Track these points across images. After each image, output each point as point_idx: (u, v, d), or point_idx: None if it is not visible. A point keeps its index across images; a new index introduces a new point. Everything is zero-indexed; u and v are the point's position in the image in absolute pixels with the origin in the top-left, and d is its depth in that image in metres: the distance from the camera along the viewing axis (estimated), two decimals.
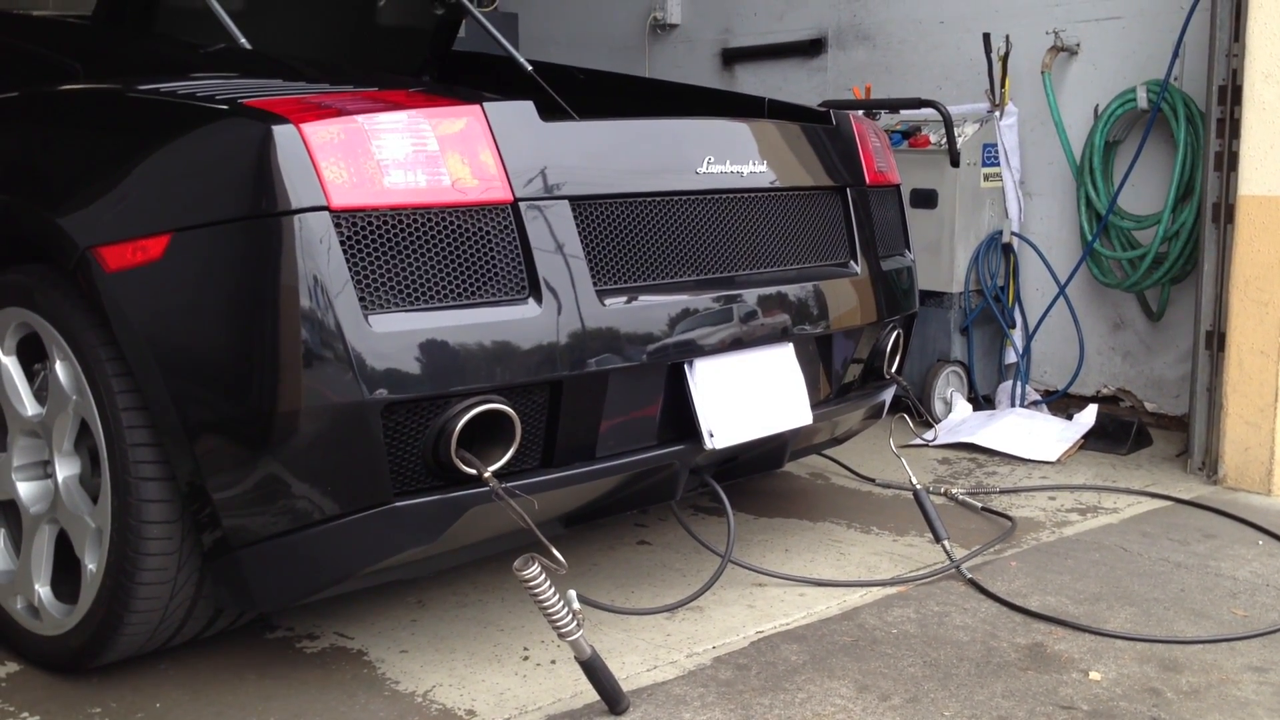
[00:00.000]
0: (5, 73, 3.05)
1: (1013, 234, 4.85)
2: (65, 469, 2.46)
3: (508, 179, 2.33)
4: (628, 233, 2.52)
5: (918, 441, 4.44)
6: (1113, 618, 2.82)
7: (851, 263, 3.05)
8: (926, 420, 3.53)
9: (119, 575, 2.34)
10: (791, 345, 2.83)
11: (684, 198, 2.63)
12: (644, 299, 2.50)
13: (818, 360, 3.00)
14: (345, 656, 2.61)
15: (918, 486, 3.15)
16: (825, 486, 3.90)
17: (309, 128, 2.17)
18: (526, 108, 2.40)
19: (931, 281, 4.76)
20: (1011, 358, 4.92)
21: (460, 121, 2.31)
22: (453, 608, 2.86)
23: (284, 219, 2.14)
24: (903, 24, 5.37)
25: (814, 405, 2.94)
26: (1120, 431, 4.39)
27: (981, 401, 4.86)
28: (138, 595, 2.34)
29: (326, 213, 2.15)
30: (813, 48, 5.73)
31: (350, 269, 2.16)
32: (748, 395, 2.70)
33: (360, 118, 2.22)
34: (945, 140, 4.64)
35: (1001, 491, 3.83)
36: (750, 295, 2.70)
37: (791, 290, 2.81)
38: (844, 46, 5.62)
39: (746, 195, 2.76)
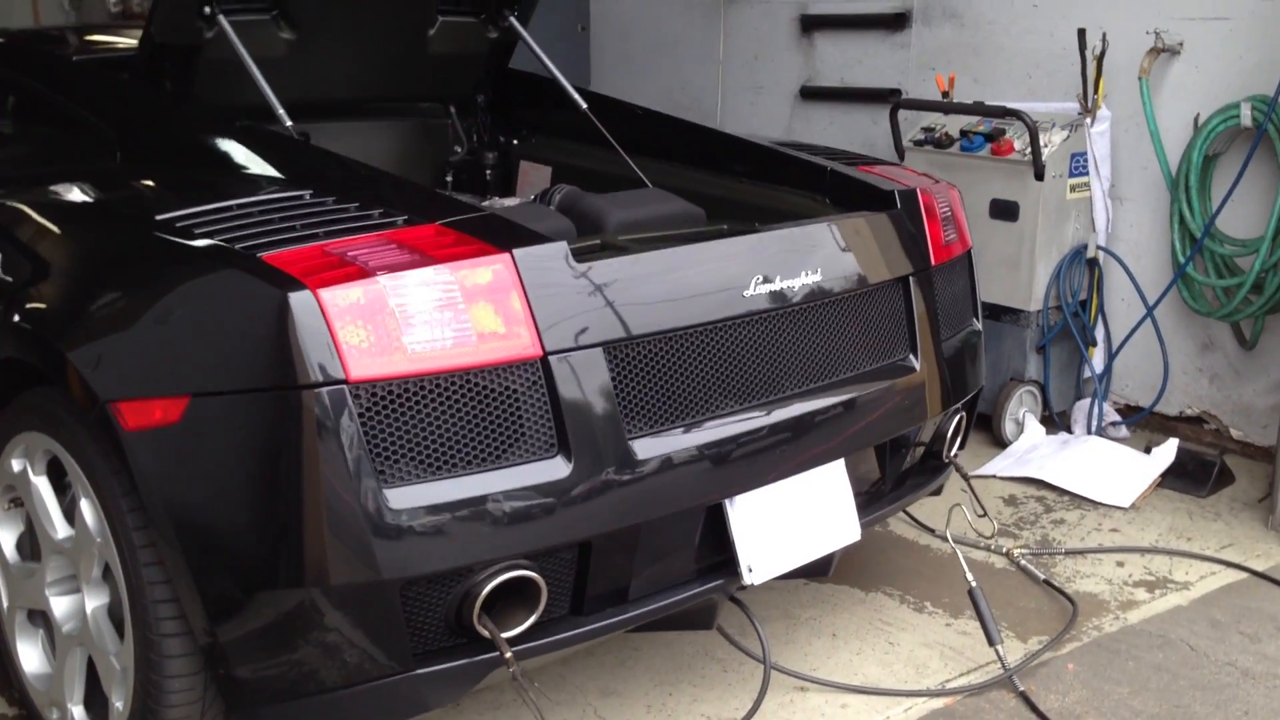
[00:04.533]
0: (47, 135, 2.98)
1: (1099, 248, 4.59)
2: (93, 599, 2.44)
3: (537, 332, 2.21)
4: (665, 372, 2.38)
5: (986, 472, 4.29)
6: None
7: (910, 357, 2.88)
8: (984, 513, 3.38)
9: (145, 706, 2.32)
10: (842, 461, 2.70)
11: (729, 324, 2.48)
12: (681, 442, 2.38)
13: (871, 466, 2.86)
14: None
15: (973, 585, 3.02)
16: (882, 536, 3.79)
17: (327, 295, 2.06)
18: (559, 251, 2.26)
19: (1008, 298, 4.55)
20: (1089, 372, 4.71)
21: (488, 272, 2.18)
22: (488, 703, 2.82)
23: (300, 393, 2.05)
24: (994, 3, 5.04)
25: (864, 511, 2.81)
26: (1201, 472, 4.19)
27: (1055, 419, 4.67)
28: None
29: (344, 386, 2.05)
30: (896, 21, 5.42)
31: (368, 443, 2.07)
32: (792, 523, 2.59)
33: (383, 278, 2.10)
34: (1030, 149, 4.38)
35: (1067, 553, 3.69)
36: (797, 418, 2.56)
37: (842, 403, 2.66)
38: (930, 23, 5.31)
39: (797, 310, 2.60)
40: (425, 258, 2.17)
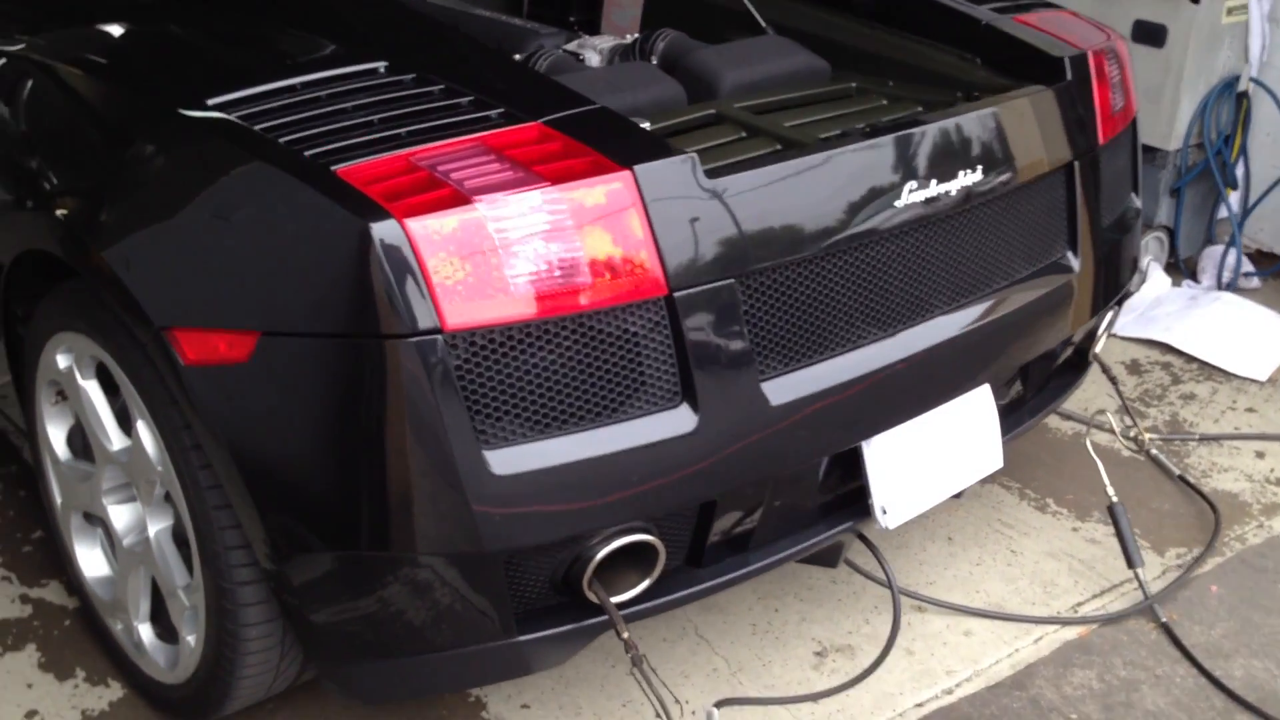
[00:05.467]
0: None
1: (1250, 79, 4.09)
2: (156, 522, 2.19)
3: (662, 263, 1.85)
4: (805, 300, 2.03)
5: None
6: None
7: (1069, 255, 2.50)
8: (1135, 424, 3.06)
9: (219, 651, 2.12)
10: (989, 385, 2.37)
11: (878, 239, 2.11)
12: (818, 380, 2.04)
13: (1018, 383, 2.54)
14: (463, 707, 2.40)
15: (1114, 500, 2.73)
16: None
17: (416, 226, 1.71)
18: (687, 166, 1.88)
19: (1146, 134, 4.07)
20: (1223, 214, 4.28)
21: (605, 193, 1.82)
22: None
23: (385, 342, 1.74)
24: None
25: (1005, 428, 2.50)
26: None
27: (1181, 266, 4.28)
28: (242, 672, 2.13)
29: (439, 336, 1.73)
30: None
31: (466, 399, 1.77)
32: (932, 457, 2.29)
33: (481, 204, 1.75)
34: None
35: (1201, 439, 3.37)
36: (945, 342, 2.22)
37: (995, 321, 2.31)
38: None
39: (952, 217, 2.22)
40: (530, 174, 1.81)
